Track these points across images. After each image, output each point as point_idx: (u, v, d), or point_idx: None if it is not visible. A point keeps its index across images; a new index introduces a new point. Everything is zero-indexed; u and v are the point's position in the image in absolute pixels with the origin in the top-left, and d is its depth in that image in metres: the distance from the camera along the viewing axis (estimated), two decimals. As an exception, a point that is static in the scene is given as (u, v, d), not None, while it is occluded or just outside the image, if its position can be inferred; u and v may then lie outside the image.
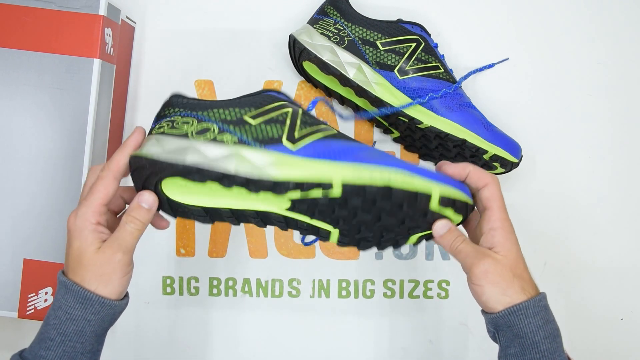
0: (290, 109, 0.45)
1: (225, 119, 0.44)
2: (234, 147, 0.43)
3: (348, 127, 0.66)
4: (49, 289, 0.57)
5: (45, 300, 0.57)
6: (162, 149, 0.42)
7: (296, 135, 0.44)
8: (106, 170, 0.44)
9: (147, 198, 0.43)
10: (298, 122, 0.45)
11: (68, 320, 0.42)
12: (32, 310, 0.57)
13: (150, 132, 0.45)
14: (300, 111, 0.46)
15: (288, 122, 0.44)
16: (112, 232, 0.46)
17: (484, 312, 0.46)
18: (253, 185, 0.42)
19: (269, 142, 0.43)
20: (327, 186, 0.42)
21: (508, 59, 0.65)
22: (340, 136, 0.46)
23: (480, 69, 0.65)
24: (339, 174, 0.42)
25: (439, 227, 0.44)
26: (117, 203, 0.48)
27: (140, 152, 0.43)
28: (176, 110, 0.45)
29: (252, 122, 0.44)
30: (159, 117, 0.45)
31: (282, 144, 0.43)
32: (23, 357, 0.43)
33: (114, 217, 0.48)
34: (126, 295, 0.46)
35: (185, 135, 0.43)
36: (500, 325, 0.44)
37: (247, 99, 0.45)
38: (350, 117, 0.64)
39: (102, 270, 0.43)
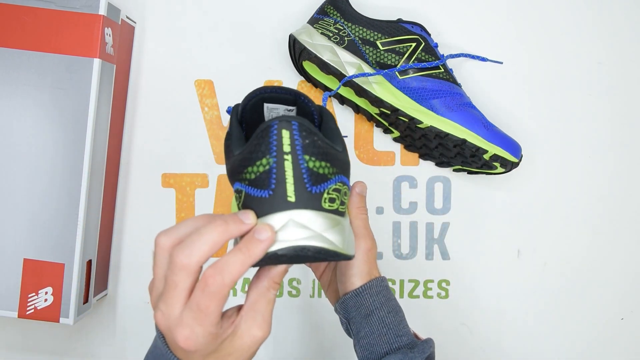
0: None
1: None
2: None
3: (348, 126, 0.66)
4: (49, 289, 0.57)
5: (45, 300, 0.57)
6: (342, 235, 0.34)
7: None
8: (220, 286, 0.33)
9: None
10: None
11: None
12: (32, 310, 0.57)
13: (310, 203, 0.33)
14: None
15: None
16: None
17: (338, 306, 0.50)
18: None
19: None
20: None
21: (502, 62, 0.65)
22: None
23: (472, 56, 0.64)
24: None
25: (360, 187, 0.48)
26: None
27: (336, 249, 0.34)
28: (334, 171, 0.34)
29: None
30: (319, 178, 0.33)
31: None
32: None
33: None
34: None
35: (343, 213, 0.36)
36: (350, 308, 0.48)
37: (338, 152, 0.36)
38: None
39: (256, 347, 0.37)
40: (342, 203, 0.34)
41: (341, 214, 0.34)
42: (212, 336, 0.35)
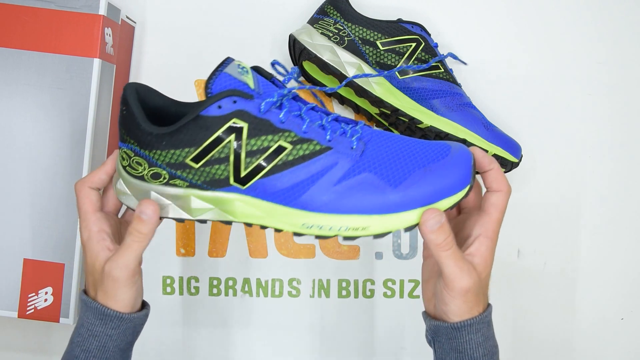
0: (232, 137, 0.40)
1: (171, 163, 0.41)
2: (187, 190, 0.43)
3: (348, 127, 0.66)
4: (49, 289, 0.57)
5: (45, 300, 0.57)
6: (129, 189, 0.44)
7: (242, 174, 0.41)
8: (80, 183, 0.46)
9: (146, 209, 0.42)
10: (243, 154, 0.41)
11: (90, 337, 0.43)
12: (32, 310, 0.57)
13: (120, 155, 0.44)
14: (245, 132, 0.41)
15: (231, 158, 0.41)
16: (117, 238, 0.47)
17: (426, 315, 0.46)
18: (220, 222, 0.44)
19: (218, 184, 0.42)
20: (280, 230, 0.43)
21: (467, 64, 0.64)
22: (294, 158, 0.41)
23: (455, 57, 0.63)
24: (288, 226, 0.43)
25: (431, 222, 0.40)
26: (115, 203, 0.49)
27: (115, 189, 0.46)
28: (129, 141, 0.42)
29: (195, 165, 0.41)
30: (122, 139, 0.43)
31: (231, 184, 0.42)
32: None
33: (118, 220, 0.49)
34: (145, 307, 0.47)
35: (142, 178, 0.43)
36: (440, 334, 0.44)
37: (186, 133, 0.40)
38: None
39: (106, 287, 0.43)
40: (131, 167, 0.43)
41: (129, 173, 0.43)
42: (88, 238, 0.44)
